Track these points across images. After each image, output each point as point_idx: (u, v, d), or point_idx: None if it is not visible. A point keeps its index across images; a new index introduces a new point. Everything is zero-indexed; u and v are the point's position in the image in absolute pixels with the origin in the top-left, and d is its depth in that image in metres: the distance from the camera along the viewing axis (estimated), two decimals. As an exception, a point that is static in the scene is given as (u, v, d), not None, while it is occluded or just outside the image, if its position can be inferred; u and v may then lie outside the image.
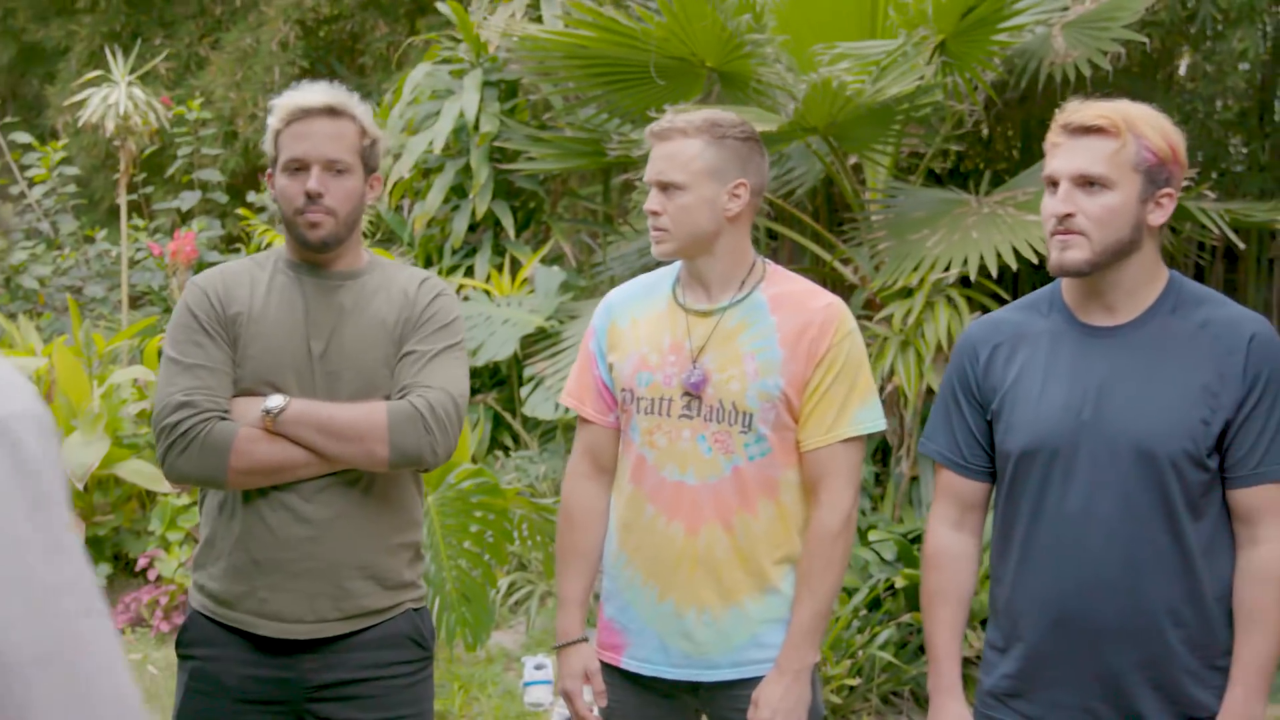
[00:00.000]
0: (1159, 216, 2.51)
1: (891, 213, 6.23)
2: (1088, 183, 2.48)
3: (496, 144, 7.42)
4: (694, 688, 2.93)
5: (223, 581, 2.88)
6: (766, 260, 2.98)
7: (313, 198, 2.81)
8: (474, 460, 6.73)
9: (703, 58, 6.15)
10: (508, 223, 7.47)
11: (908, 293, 5.85)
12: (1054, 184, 2.53)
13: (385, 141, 2.99)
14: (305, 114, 2.84)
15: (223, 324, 2.85)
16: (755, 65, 6.13)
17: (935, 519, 2.80)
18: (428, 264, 7.65)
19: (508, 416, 7.20)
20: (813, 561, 2.85)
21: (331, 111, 2.85)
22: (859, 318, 6.36)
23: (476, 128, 7.36)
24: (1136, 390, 2.50)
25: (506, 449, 7.20)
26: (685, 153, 2.84)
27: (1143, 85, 7.56)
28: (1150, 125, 2.48)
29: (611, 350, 2.97)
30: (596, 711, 3.05)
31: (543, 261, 7.26)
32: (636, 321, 2.96)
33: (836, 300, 2.90)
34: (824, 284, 7.34)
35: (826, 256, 6.57)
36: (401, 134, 7.63)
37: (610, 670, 3.00)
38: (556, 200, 7.97)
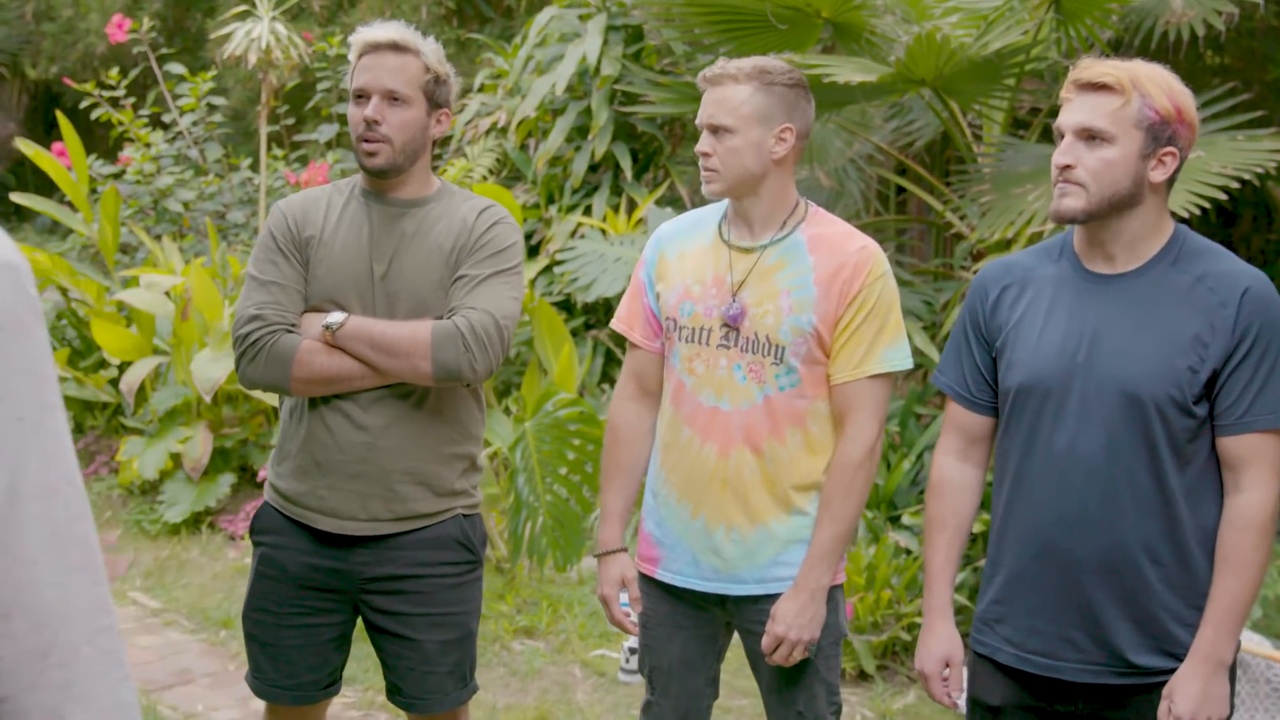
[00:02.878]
0: (1161, 173, 2.61)
1: (1000, 167, 6.29)
2: (1089, 136, 2.61)
3: (618, 88, 7.61)
4: (721, 600, 3.13)
5: (289, 480, 3.16)
6: (810, 202, 3.14)
7: (370, 124, 3.04)
8: (583, 391, 6.97)
9: (818, 8, 6.25)
10: (626, 164, 7.66)
11: (1006, 245, 5.92)
12: (1062, 135, 2.66)
13: (454, 81, 3.20)
14: (373, 48, 3.08)
15: (297, 245, 3.12)
16: (868, 17, 6.22)
17: (941, 450, 2.95)
18: (549, 202, 7.88)
19: (618, 351, 7.43)
20: (835, 488, 3.02)
21: (396, 47, 3.07)
22: (963, 268, 6.48)
23: (598, 71, 7.55)
24: (1128, 336, 2.62)
25: (614, 381, 7.42)
26: (735, 98, 3.01)
27: (1273, 47, 7.48)
28: (1157, 85, 2.59)
29: (659, 280, 3.16)
30: (633, 617, 3.27)
31: (658, 203, 7.44)
32: (684, 255, 3.14)
33: (871, 243, 3.05)
34: (936, 234, 7.46)
35: (939, 207, 6.66)
36: (530, 75, 7.85)
37: (646, 581, 3.21)
38: (676, 144, 8.13)
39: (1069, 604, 2.69)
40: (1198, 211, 5.32)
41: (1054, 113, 7.12)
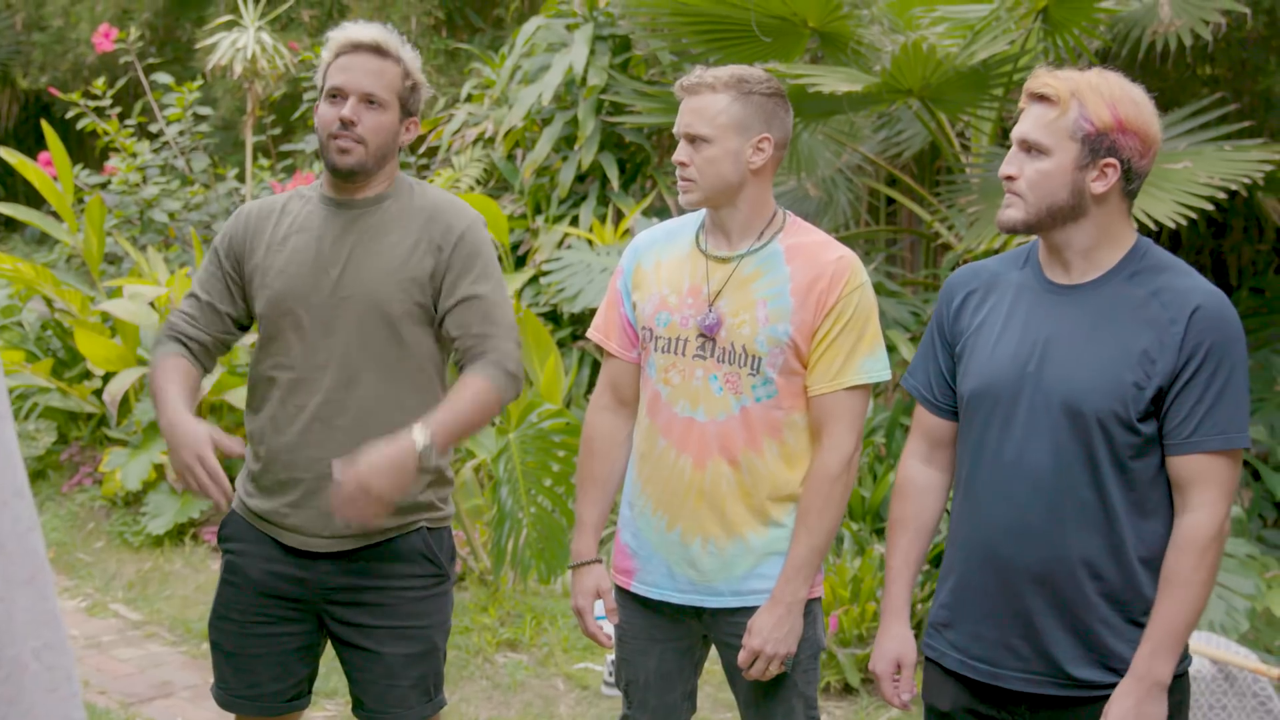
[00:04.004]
0: (1101, 185, 2.59)
1: (988, 177, 6.28)
2: (1028, 147, 2.62)
3: (605, 97, 7.59)
4: (698, 612, 3.10)
5: (255, 496, 3.15)
6: (788, 212, 3.11)
7: (345, 124, 3.01)
8: (569, 403, 6.94)
9: (804, 17, 6.24)
10: (613, 174, 7.64)
11: (992, 255, 5.90)
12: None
13: (428, 89, 3.18)
14: (353, 48, 3.05)
15: (235, 258, 3.14)
16: (855, 27, 6.21)
17: (907, 452, 2.94)
18: (536, 212, 7.85)
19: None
20: (812, 500, 2.99)
21: (377, 50, 3.05)
22: (951, 279, 6.45)
23: (584, 81, 7.54)
24: (1077, 348, 2.61)
25: (602, 394, 7.40)
26: (712, 107, 2.98)
27: (1261, 56, 7.46)
28: (1099, 95, 2.57)
29: (635, 290, 3.14)
30: (608, 629, 3.24)
31: (645, 214, 7.42)
32: (660, 264, 3.11)
33: (849, 253, 3.03)
34: (923, 244, 7.45)
35: (928, 217, 6.65)
36: (516, 85, 7.83)
37: (621, 593, 3.18)
38: (663, 154, 8.12)
39: (1010, 613, 2.68)
40: (1185, 222, 5.31)
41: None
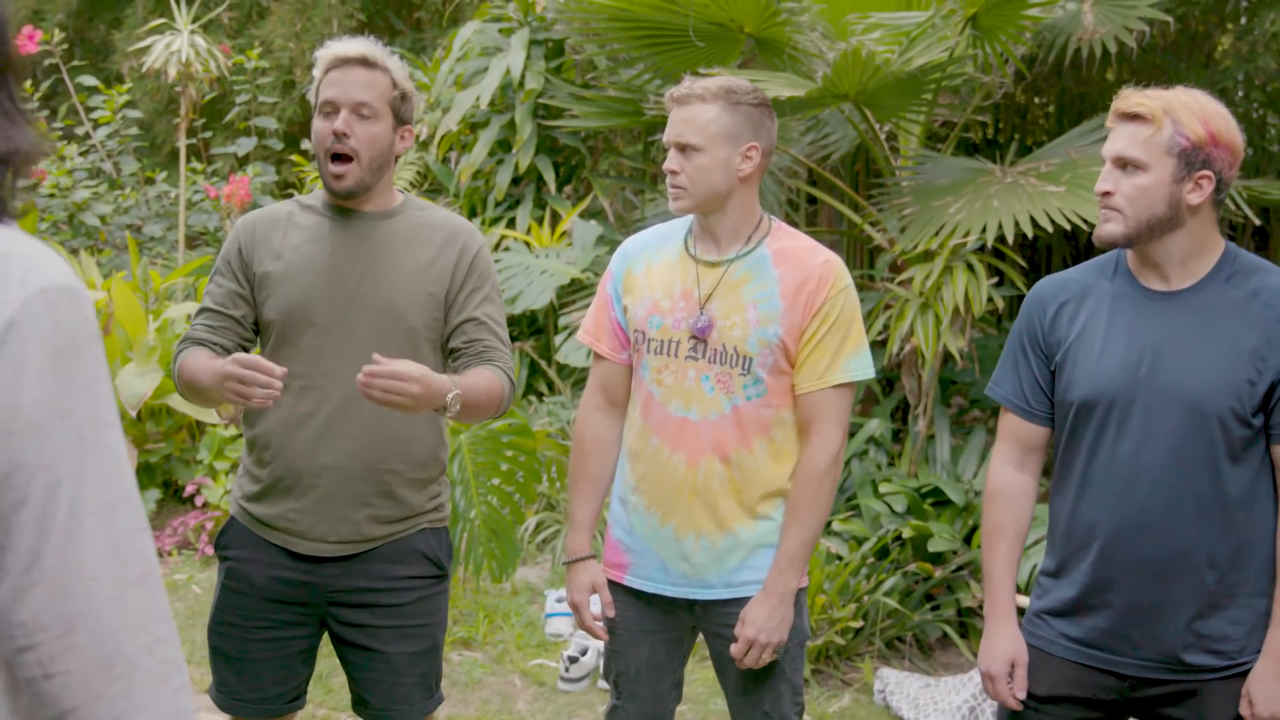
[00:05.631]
0: (1197, 196, 2.72)
1: (919, 180, 6.42)
2: (1124, 164, 2.74)
3: (541, 101, 7.67)
4: (690, 605, 3.20)
5: (256, 503, 3.20)
6: (773, 217, 3.22)
7: (339, 136, 3.06)
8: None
9: (741, 23, 6.36)
10: (549, 177, 7.72)
11: (929, 257, 6.06)
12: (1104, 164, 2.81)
13: (418, 97, 3.24)
14: (342, 63, 3.11)
15: (242, 267, 3.19)
16: (791, 33, 6.33)
17: (998, 458, 3.05)
18: (471, 215, 7.91)
19: (543, 363, 7.47)
20: (801, 495, 3.10)
21: (365, 62, 3.11)
22: (884, 280, 6.61)
23: (521, 85, 7.61)
24: (1190, 351, 2.74)
25: (540, 395, 7.48)
26: (702, 117, 3.08)
27: (1176, 63, 7.72)
28: (1190, 111, 2.71)
29: (626, 294, 3.23)
30: (602, 622, 3.33)
31: (582, 216, 7.51)
32: (651, 269, 3.21)
33: (834, 257, 3.14)
34: (854, 246, 7.61)
35: (857, 220, 6.78)
36: (451, 89, 7.89)
37: (615, 587, 3.28)
38: (598, 157, 8.21)
39: (1127, 603, 2.82)
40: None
41: (968, 127, 7.34)
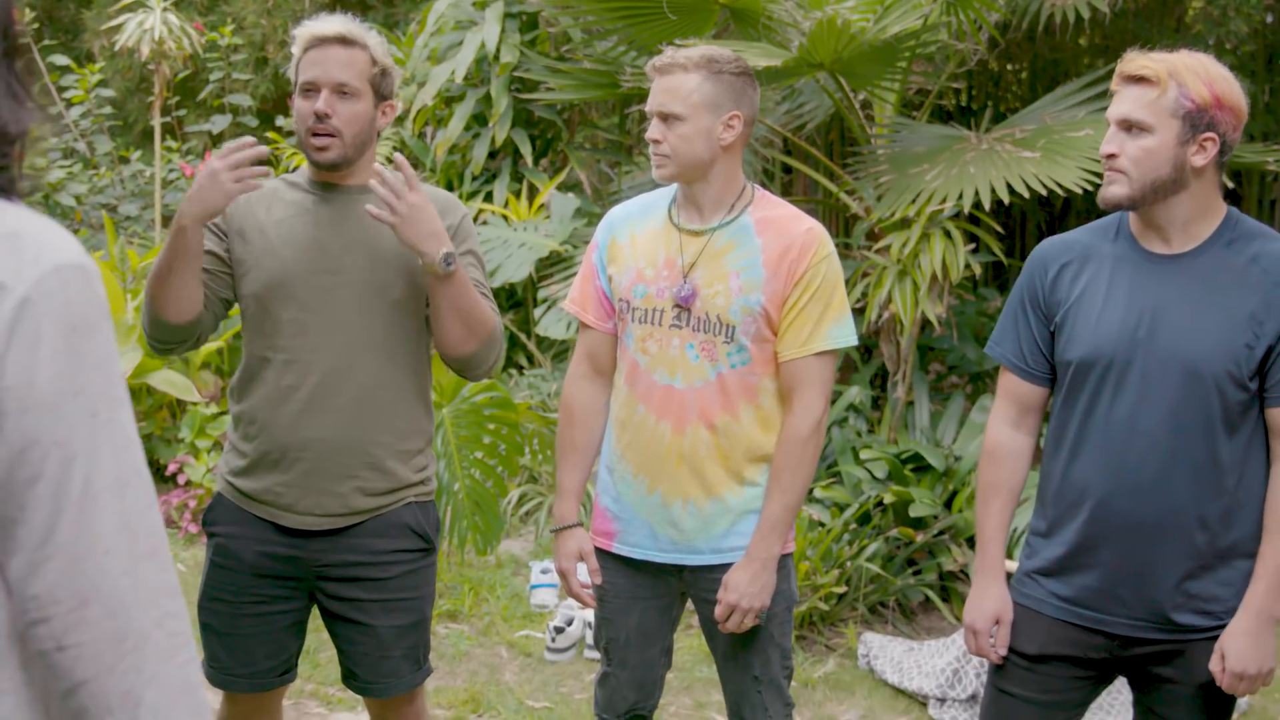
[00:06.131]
0: (1202, 158, 2.73)
1: (895, 147, 6.44)
2: (1130, 126, 2.75)
3: (516, 74, 7.67)
4: (678, 570, 3.24)
5: (243, 477, 3.21)
6: (756, 186, 3.24)
7: (320, 117, 3.07)
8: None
9: (715, -7, 6.37)
10: (526, 150, 7.73)
11: (906, 224, 6.09)
12: (1109, 126, 2.82)
13: (398, 72, 3.24)
14: (320, 42, 3.11)
15: (222, 230, 3.19)
16: (766, 2, 6.33)
17: (996, 417, 3.07)
18: (449, 189, 7.91)
19: (522, 336, 7.49)
20: (784, 461, 3.13)
21: (344, 40, 3.11)
22: (862, 248, 6.64)
23: (497, 58, 7.61)
24: (1189, 314, 2.76)
25: (521, 368, 7.50)
26: (685, 86, 3.09)
27: (1148, 28, 7.76)
28: (1194, 74, 2.71)
29: (611, 263, 3.25)
30: (591, 590, 3.36)
31: (559, 189, 7.52)
32: (635, 238, 3.23)
33: (816, 225, 3.16)
34: (831, 215, 7.64)
35: (833, 188, 6.81)
36: (426, 63, 7.88)
37: (603, 554, 3.31)
38: (574, 130, 8.21)
39: (1120, 564, 2.84)
40: (1091, 189, 5.52)
41: (942, 94, 7.36)
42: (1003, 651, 3.01)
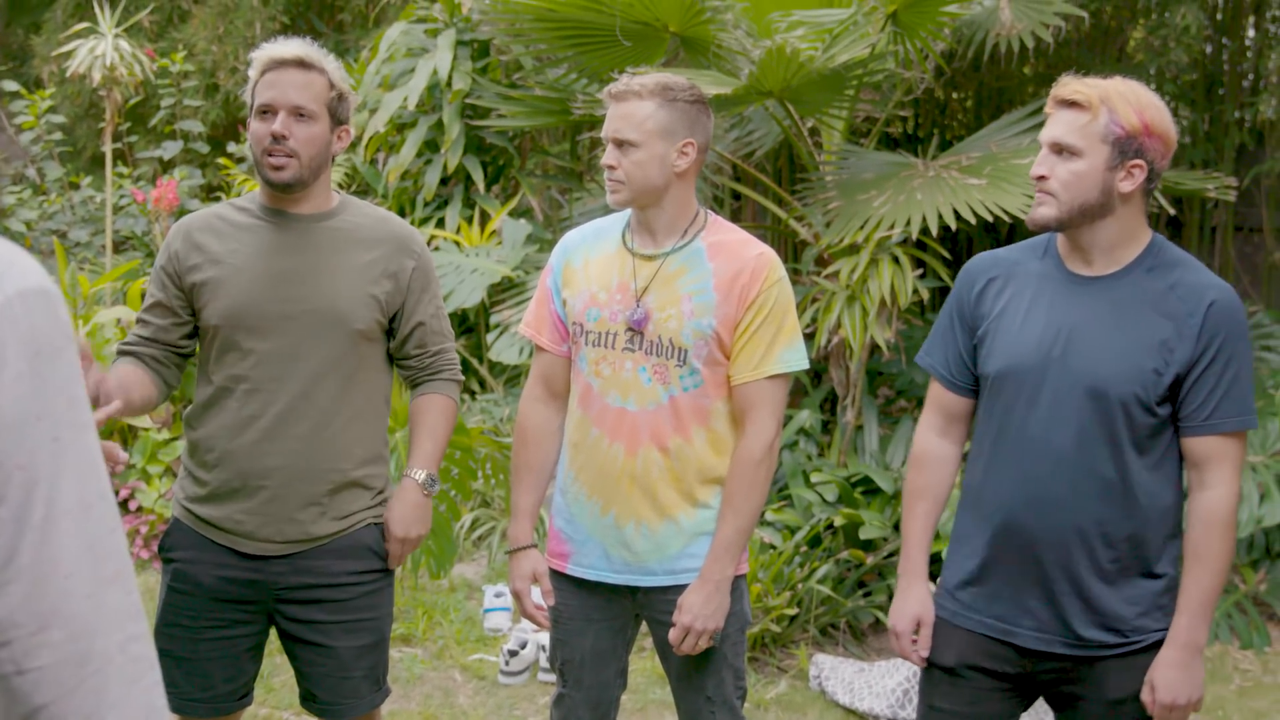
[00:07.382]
0: (1129, 184, 2.80)
1: (843, 174, 6.51)
2: (1060, 150, 2.82)
3: (468, 101, 7.70)
4: (632, 591, 3.27)
5: (202, 504, 3.23)
6: (709, 211, 3.29)
7: (277, 139, 3.10)
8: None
9: (666, 22, 6.42)
10: (478, 177, 7.76)
11: (854, 250, 6.16)
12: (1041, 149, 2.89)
13: (354, 98, 3.28)
14: (278, 64, 3.14)
15: (176, 274, 3.22)
16: (715, 31, 6.40)
17: (923, 425, 3.15)
18: (401, 215, 7.93)
19: (474, 361, 7.52)
20: (737, 484, 3.17)
21: (302, 64, 3.14)
22: (811, 274, 6.70)
23: (449, 85, 7.64)
24: (1101, 336, 2.83)
25: (473, 393, 7.52)
26: (639, 113, 3.14)
27: (1090, 57, 7.89)
28: (1126, 101, 2.79)
29: (565, 287, 3.29)
30: (546, 611, 3.39)
31: (511, 215, 7.56)
32: (589, 262, 3.28)
33: (768, 250, 3.22)
34: (780, 241, 7.71)
35: (782, 215, 6.87)
36: (377, 90, 7.90)
37: (557, 576, 3.34)
38: (526, 156, 8.25)
39: (1028, 577, 2.91)
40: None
41: (889, 122, 7.45)
42: (924, 654, 3.07)
